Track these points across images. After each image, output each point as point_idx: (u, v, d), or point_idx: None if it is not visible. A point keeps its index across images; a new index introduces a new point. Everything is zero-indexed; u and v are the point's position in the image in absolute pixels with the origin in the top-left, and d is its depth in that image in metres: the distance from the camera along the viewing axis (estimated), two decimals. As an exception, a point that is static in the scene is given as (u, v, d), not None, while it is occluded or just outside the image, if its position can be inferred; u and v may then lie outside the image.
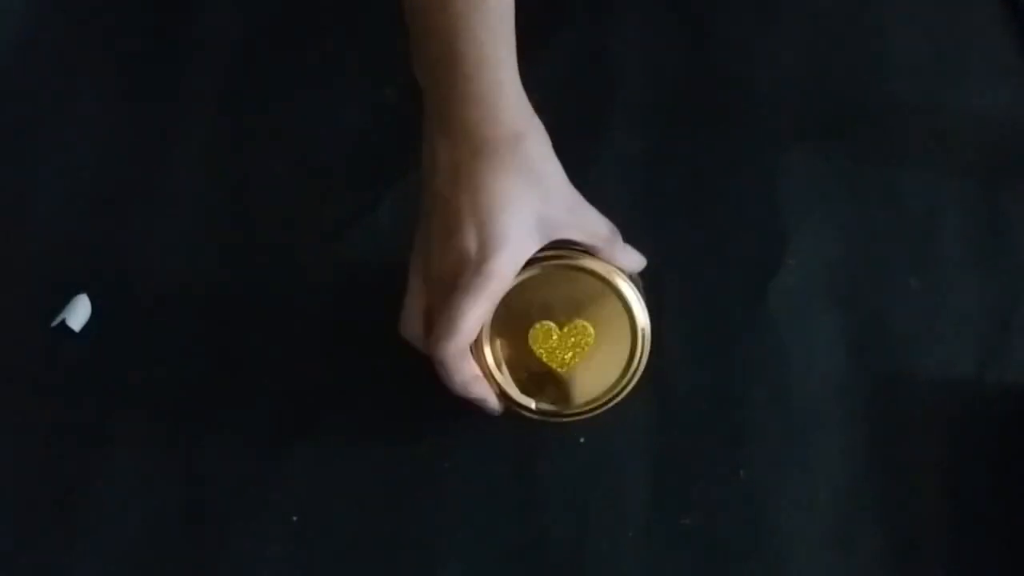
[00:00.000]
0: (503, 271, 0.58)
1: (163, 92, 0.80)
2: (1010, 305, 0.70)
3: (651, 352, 0.63)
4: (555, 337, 0.62)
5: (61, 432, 0.68)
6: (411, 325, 0.61)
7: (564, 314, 0.62)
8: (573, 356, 0.62)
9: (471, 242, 0.58)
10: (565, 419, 0.63)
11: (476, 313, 0.58)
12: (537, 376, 0.63)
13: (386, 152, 0.75)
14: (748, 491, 0.65)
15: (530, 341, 0.62)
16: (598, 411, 0.63)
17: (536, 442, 0.67)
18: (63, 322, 0.70)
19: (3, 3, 0.83)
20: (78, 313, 0.71)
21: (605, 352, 0.62)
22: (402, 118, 0.70)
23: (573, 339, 0.62)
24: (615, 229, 0.63)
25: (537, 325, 0.62)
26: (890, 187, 0.74)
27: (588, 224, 0.62)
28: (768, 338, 0.69)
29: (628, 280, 0.63)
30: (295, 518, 0.65)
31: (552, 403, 0.63)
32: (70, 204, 0.75)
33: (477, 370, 0.61)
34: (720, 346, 0.69)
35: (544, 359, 0.62)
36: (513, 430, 0.66)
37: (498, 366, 0.62)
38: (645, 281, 0.67)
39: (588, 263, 0.62)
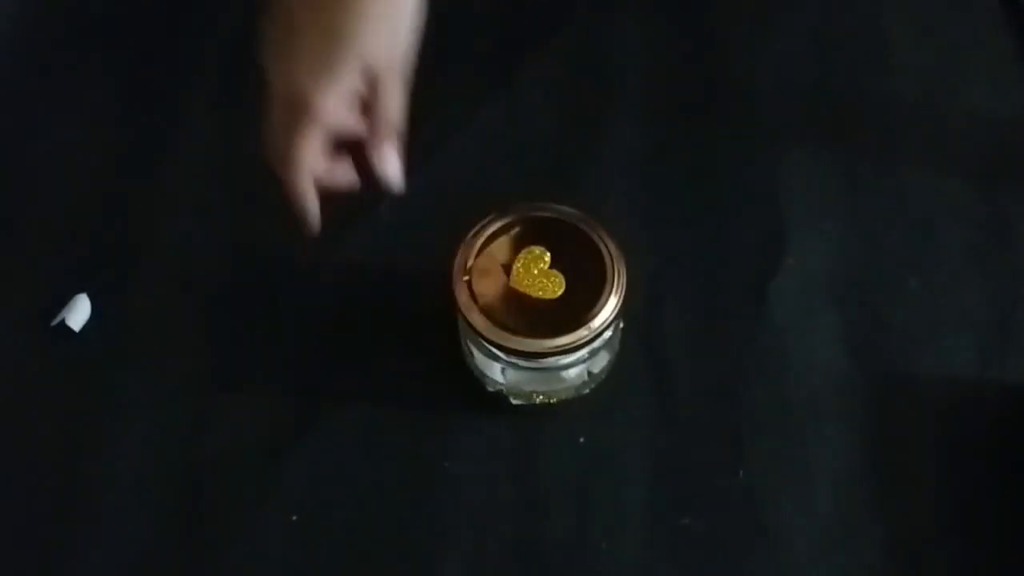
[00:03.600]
0: (329, 108, 0.60)
1: (163, 92, 0.80)
2: (1010, 305, 0.70)
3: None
4: (541, 267, 0.63)
5: (61, 432, 0.68)
6: (268, 148, 0.63)
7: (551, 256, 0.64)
8: (548, 289, 0.63)
9: (305, 72, 0.60)
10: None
11: (310, 144, 0.61)
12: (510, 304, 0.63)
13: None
14: (748, 491, 0.65)
15: (516, 264, 0.63)
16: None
17: (536, 442, 0.67)
18: (63, 322, 0.70)
19: (3, 4, 0.83)
20: (78, 313, 0.71)
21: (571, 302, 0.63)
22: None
23: (553, 279, 0.63)
24: (399, 128, 0.63)
25: (531, 251, 0.64)
26: (890, 187, 0.74)
27: (388, 95, 0.62)
28: (768, 338, 0.69)
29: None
30: (295, 518, 0.65)
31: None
32: (70, 204, 0.75)
33: (309, 188, 0.63)
34: (720, 346, 0.69)
35: (523, 282, 0.63)
36: (513, 430, 0.67)
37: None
38: (647, 281, 0.67)
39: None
